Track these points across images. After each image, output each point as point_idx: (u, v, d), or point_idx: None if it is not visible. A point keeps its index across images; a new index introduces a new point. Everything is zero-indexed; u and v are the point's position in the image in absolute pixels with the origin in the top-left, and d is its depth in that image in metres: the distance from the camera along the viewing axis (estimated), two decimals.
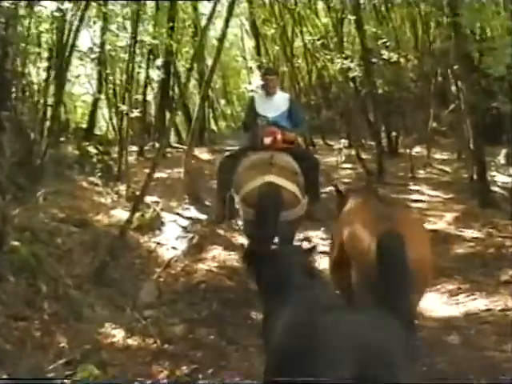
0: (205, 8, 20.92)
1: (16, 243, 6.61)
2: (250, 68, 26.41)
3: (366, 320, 2.94)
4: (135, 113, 11.83)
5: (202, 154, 17.97)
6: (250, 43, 27.09)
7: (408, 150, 14.19)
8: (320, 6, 20.59)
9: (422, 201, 10.99)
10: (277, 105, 7.01)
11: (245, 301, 6.46)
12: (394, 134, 15.95)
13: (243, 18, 25.82)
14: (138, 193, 11.10)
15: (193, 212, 10.32)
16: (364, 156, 14.32)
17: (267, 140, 6.63)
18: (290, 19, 19.61)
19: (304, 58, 21.45)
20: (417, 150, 14.86)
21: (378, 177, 12.56)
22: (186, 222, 9.72)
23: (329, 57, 17.31)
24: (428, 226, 9.11)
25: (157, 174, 12.89)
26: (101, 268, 7.17)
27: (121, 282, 7.34)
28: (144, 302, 6.87)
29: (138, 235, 9.04)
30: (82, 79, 21.74)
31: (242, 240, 8.57)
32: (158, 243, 8.92)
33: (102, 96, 19.38)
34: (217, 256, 8.23)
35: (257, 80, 17.48)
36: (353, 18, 14.21)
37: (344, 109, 17.96)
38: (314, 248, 4.38)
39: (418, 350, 4.46)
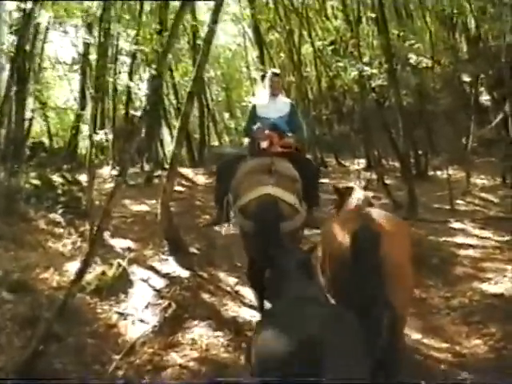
0: (204, 14, 19.14)
1: None
2: (254, 79, 24.42)
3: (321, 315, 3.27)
4: (100, 135, 9.37)
5: (198, 176, 15.67)
6: (254, 53, 25.06)
7: (440, 173, 11.94)
8: (330, 4, 18.53)
9: (470, 246, 8.45)
10: (279, 107, 6.82)
11: None
12: (420, 153, 13.44)
13: (246, 25, 24.01)
14: (106, 235, 9.04)
15: (171, 265, 7.84)
16: (388, 180, 11.92)
17: (264, 144, 6.46)
18: (296, 23, 17.34)
19: (313, 65, 19.14)
20: (449, 172, 12.32)
21: (408, 210, 10.11)
22: (161, 282, 7.27)
23: (342, 64, 15.05)
24: (487, 287, 6.78)
25: (136, 207, 10.86)
26: (33, 356, 5.09)
27: (63, 373, 5.23)
28: None
29: (96, 302, 6.73)
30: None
31: (234, 310, 6.58)
32: (121, 314, 6.56)
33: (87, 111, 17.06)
34: (197, 339, 5.86)
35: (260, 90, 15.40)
36: (373, 15, 11.93)
37: (361, 123, 15.62)
38: (313, 248, 4.48)
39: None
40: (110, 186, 12.42)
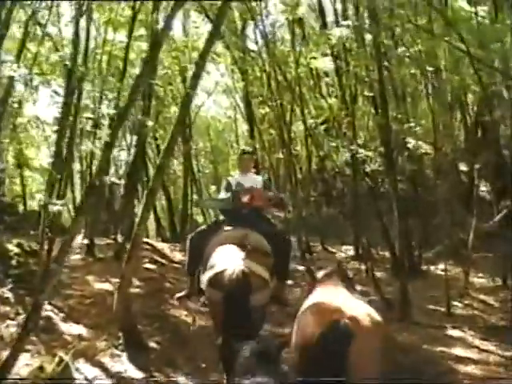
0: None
1: None
2: None
3: None
4: (58, 206, 8.30)
5: (174, 252, 14.58)
6: (244, 126, 24.50)
7: (433, 267, 11.68)
8: (325, 80, 17.97)
9: (470, 360, 7.33)
10: (251, 180, 7.05)
11: None
12: (413, 244, 12.43)
13: (238, 98, 23.42)
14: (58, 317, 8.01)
15: (124, 362, 6.71)
16: (377, 273, 10.92)
17: (245, 198, 6.70)
18: (289, 98, 16.65)
19: (304, 144, 18.38)
20: (441, 266, 11.30)
21: (401, 311, 9.06)
22: None
23: (334, 144, 14.32)
24: None
25: (99, 285, 9.90)
26: None
27: None
28: None
29: None
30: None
31: None
32: None
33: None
34: None
35: None
36: (370, 94, 11.20)
37: (351, 208, 14.77)
38: (285, 343, 4.07)
39: None
40: (77, 257, 11.47)
